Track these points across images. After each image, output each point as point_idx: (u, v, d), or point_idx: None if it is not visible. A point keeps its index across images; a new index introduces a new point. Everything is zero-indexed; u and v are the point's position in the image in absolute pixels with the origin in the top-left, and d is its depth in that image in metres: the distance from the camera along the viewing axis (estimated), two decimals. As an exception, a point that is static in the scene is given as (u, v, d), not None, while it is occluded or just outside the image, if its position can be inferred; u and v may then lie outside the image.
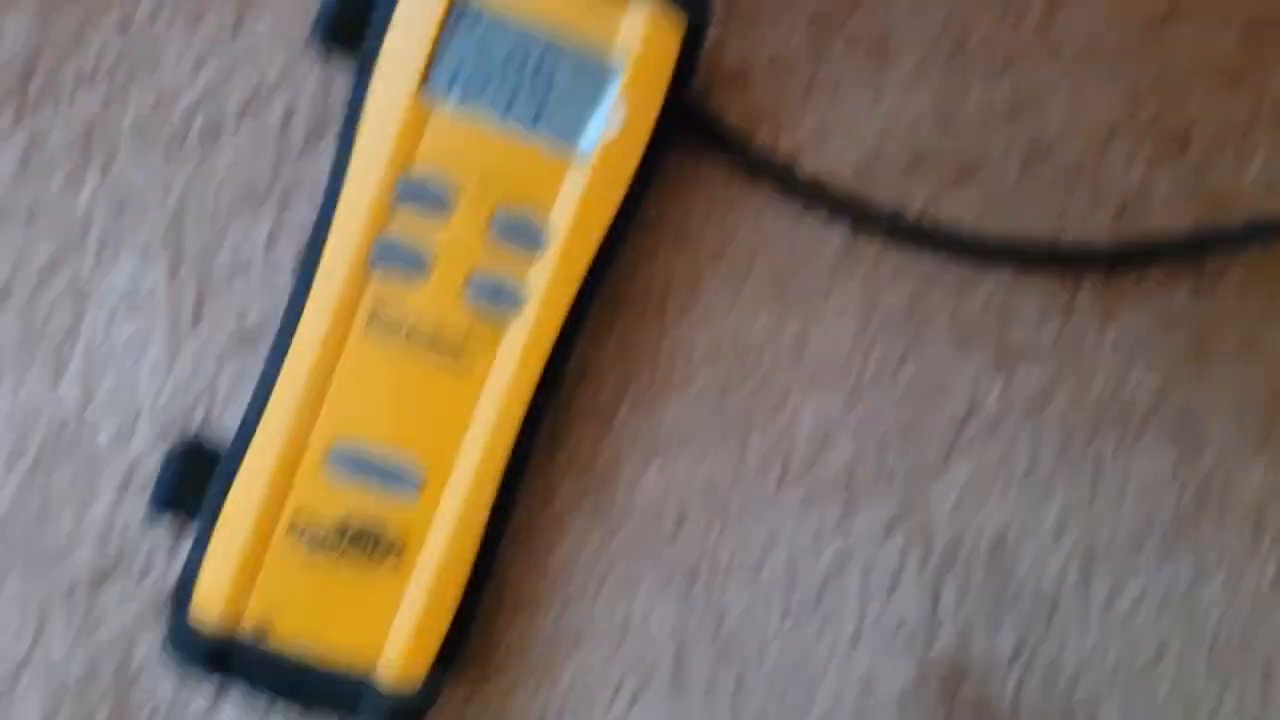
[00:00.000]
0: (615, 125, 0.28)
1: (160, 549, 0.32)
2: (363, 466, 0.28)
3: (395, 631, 0.29)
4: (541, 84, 0.28)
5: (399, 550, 0.29)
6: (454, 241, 0.28)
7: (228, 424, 0.32)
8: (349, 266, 0.28)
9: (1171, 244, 0.33)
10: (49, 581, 0.32)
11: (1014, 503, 0.33)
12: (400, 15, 0.28)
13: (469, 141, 0.28)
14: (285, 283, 0.32)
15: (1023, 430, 0.33)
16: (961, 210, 0.33)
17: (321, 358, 0.28)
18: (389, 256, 0.28)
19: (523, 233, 0.28)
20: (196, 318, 0.32)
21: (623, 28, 0.28)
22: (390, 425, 0.28)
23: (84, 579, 0.32)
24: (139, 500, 0.32)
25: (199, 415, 0.32)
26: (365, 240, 0.28)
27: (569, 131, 0.28)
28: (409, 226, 0.28)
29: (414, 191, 0.28)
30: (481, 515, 0.29)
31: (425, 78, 0.28)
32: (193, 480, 0.29)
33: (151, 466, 0.32)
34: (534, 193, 0.28)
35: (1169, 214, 0.34)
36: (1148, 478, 0.34)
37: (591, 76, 0.28)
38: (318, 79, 0.32)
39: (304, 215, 0.32)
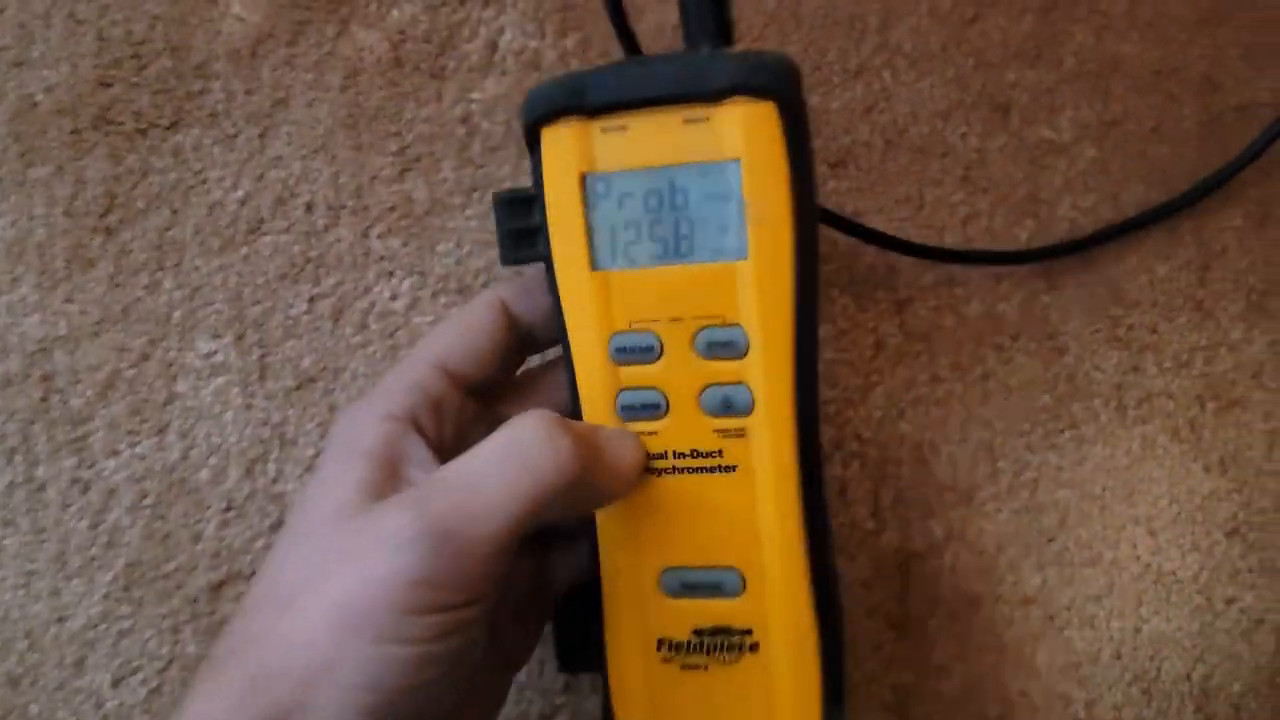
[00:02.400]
0: (758, 213, 0.30)
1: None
2: (690, 584, 0.32)
3: (778, 709, 0.32)
4: (683, 214, 0.30)
5: (749, 636, 0.32)
6: (675, 374, 0.31)
7: (298, 455, 0.41)
8: (610, 425, 0.32)
9: (1012, 253, 0.42)
10: (178, 598, 0.41)
11: (924, 417, 0.42)
12: (552, 209, 0.31)
13: (648, 292, 0.31)
14: (327, 334, 0.41)
15: (920, 355, 0.42)
16: (841, 194, 0.42)
17: (622, 504, 0.32)
18: (631, 408, 0.32)
19: (725, 344, 0.31)
20: (262, 373, 0.41)
21: (723, 133, 0.30)
22: (693, 544, 0.32)
23: (205, 590, 0.41)
24: (239, 524, 0.41)
25: (275, 449, 0.41)
26: (609, 402, 0.32)
27: (721, 243, 0.30)
28: (635, 378, 0.31)
29: (625, 350, 0.31)
30: (803, 591, 0.31)
31: (592, 255, 0.31)
32: (578, 639, 0.34)
33: (242, 497, 0.41)
34: (718, 307, 0.30)
35: (1003, 169, 0.42)
36: (1025, 379, 0.42)
37: (718, 185, 0.30)
38: (329, 176, 0.41)
39: (334, 279, 0.41)
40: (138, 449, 0.41)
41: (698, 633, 0.32)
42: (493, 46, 0.42)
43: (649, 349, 0.31)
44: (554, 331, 0.33)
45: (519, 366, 0.36)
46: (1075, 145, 0.43)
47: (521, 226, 0.32)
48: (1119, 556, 0.42)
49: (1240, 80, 0.43)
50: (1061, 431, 0.42)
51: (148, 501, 0.41)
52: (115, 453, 0.41)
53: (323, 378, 0.41)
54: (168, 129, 0.41)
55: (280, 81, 0.41)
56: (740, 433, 0.31)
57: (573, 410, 0.32)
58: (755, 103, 0.29)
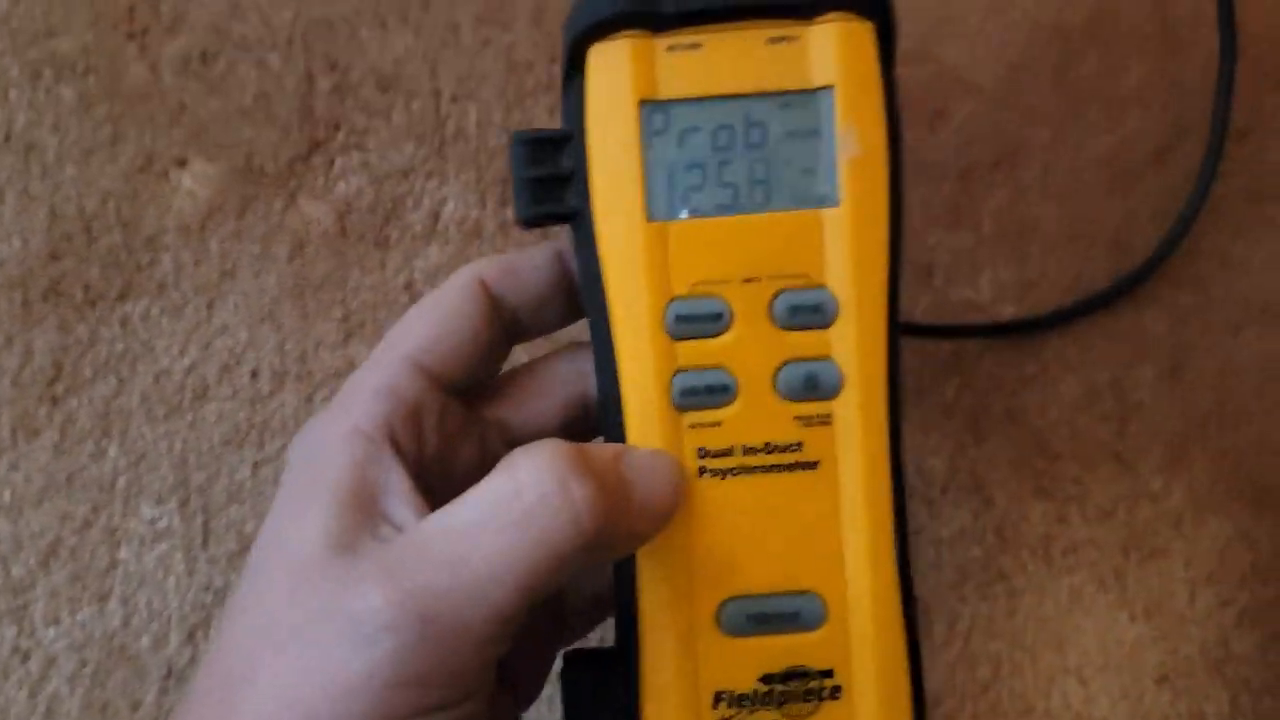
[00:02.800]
0: (852, 150, 0.26)
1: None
2: (760, 617, 0.26)
3: None
4: (759, 155, 0.26)
5: (829, 679, 0.26)
6: (746, 349, 0.26)
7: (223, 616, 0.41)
8: (659, 421, 0.26)
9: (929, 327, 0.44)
10: (117, 764, 0.40)
11: (856, 568, 0.43)
12: (597, 146, 0.26)
13: (715, 248, 0.26)
14: (270, 498, 0.41)
15: (851, 511, 0.43)
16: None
17: (673, 518, 0.26)
18: (691, 393, 0.26)
19: (809, 310, 0.26)
20: (205, 538, 0.41)
21: (814, 57, 0.26)
22: (764, 565, 0.26)
23: (144, 758, 0.40)
24: (179, 691, 0.41)
25: (217, 616, 0.41)
26: (663, 387, 0.26)
27: (806, 188, 0.26)
28: (697, 355, 0.26)
29: (686, 320, 0.26)
30: (896, 618, 0.26)
31: (646, 203, 0.26)
32: (602, 693, 0.26)
33: (183, 663, 0.41)
34: (802, 265, 0.26)
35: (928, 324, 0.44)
36: (955, 531, 0.43)
37: (805, 119, 0.26)
38: (275, 344, 0.42)
39: (278, 444, 0.42)
40: (78, 617, 0.41)
41: (766, 679, 0.26)
42: (435, 216, 0.43)
43: (716, 317, 0.26)
44: (546, 316, 0.29)
45: (505, 359, 0.30)
46: (994, 304, 0.45)
47: (547, 174, 0.26)
48: (1051, 707, 0.43)
49: (1149, 241, 0.45)
50: (992, 583, 0.43)
51: (87, 670, 0.41)
52: (56, 621, 0.41)
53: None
54: (117, 300, 0.42)
55: (229, 253, 0.42)
56: (825, 419, 0.26)
57: (609, 404, 0.26)
58: (854, 21, 0.26)
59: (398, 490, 0.24)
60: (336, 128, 0.43)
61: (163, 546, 0.41)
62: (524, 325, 0.29)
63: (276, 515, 0.25)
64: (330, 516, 0.24)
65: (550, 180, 0.26)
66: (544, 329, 0.30)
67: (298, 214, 0.43)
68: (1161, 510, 0.44)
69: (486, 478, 0.23)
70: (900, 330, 0.43)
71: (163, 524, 0.41)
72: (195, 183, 0.43)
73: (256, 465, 0.42)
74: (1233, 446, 0.44)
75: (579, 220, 0.26)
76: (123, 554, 0.41)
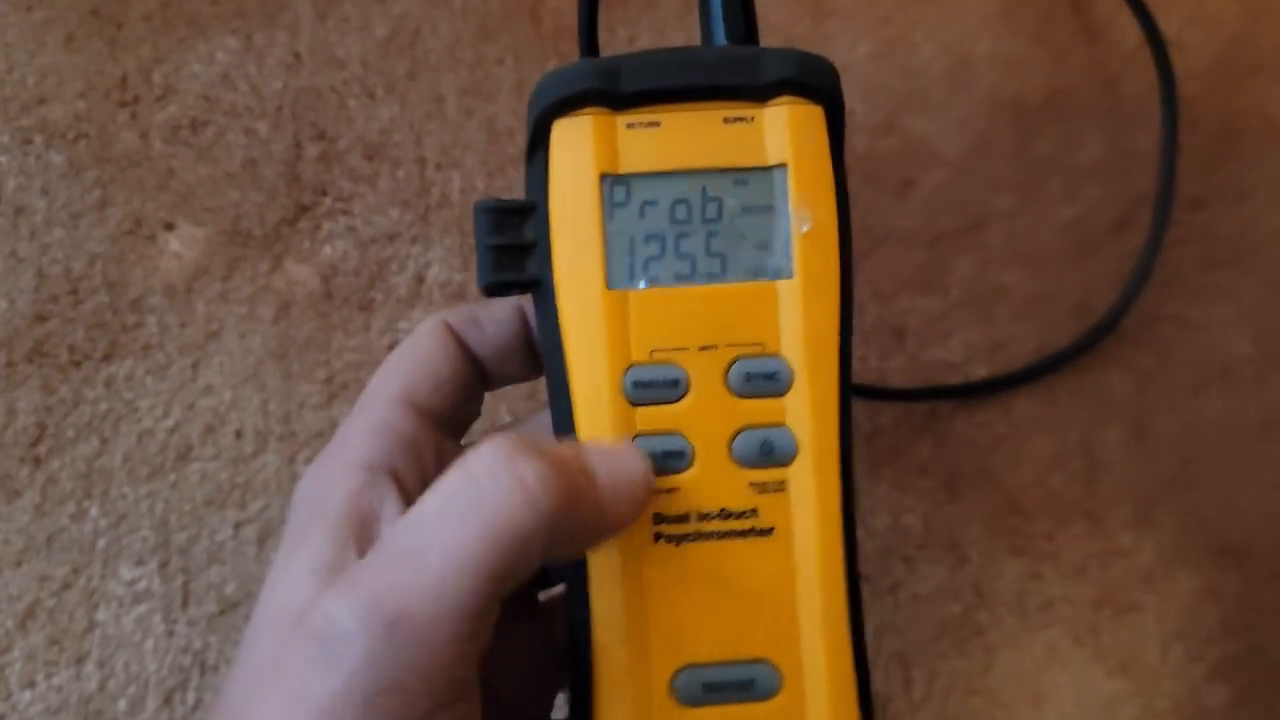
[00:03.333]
0: (805, 225, 0.26)
1: (177, 788, 0.40)
2: (714, 685, 0.26)
3: None
4: (715, 228, 0.27)
5: None
6: (703, 416, 0.26)
7: (218, 683, 0.41)
8: None
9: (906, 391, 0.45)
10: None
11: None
12: (559, 217, 0.27)
13: (673, 316, 0.26)
14: (251, 559, 0.41)
15: (830, 569, 0.44)
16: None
17: (625, 586, 0.26)
18: (649, 458, 0.26)
19: (764, 378, 0.26)
20: (185, 599, 0.41)
21: (768, 137, 0.27)
22: (719, 633, 0.26)
23: (116, 826, 0.40)
24: (154, 753, 0.40)
25: (195, 677, 0.41)
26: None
27: (761, 261, 0.27)
28: (655, 421, 0.26)
29: (644, 385, 0.26)
30: (849, 688, 0.26)
31: (606, 272, 0.26)
32: None
33: (161, 724, 0.40)
34: (757, 334, 0.26)
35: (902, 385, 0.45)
36: (933, 588, 0.44)
37: (759, 195, 0.27)
38: (259, 404, 0.42)
39: (260, 504, 0.42)
40: (54, 680, 0.40)
41: None
42: (420, 280, 0.44)
43: (674, 383, 0.26)
44: (508, 367, 0.29)
45: (482, 399, 0.30)
46: (966, 364, 0.46)
47: (510, 242, 0.27)
48: (1030, 764, 0.43)
49: (1110, 305, 0.47)
50: (969, 639, 0.44)
51: (61, 735, 0.40)
52: (31, 684, 0.40)
53: (246, 603, 0.41)
54: (101, 360, 0.42)
55: (214, 314, 0.43)
56: (780, 486, 0.26)
57: None
58: (805, 105, 0.27)
59: (394, 516, 0.24)
60: (323, 193, 0.44)
61: (142, 608, 0.41)
62: (489, 373, 0.30)
63: (279, 556, 0.25)
64: (322, 545, 0.23)
65: (513, 249, 0.27)
66: (508, 379, 0.30)
67: (283, 276, 0.43)
68: (1132, 566, 0.45)
69: (442, 476, 0.23)
70: (876, 394, 0.44)
71: (142, 585, 0.41)
72: (182, 245, 0.43)
73: (238, 526, 0.42)
74: (1198, 505, 0.45)
75: (540, 288, 0.27)
76: (101, 616, 0.41)
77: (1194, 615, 0.44)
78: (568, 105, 0.27)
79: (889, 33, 0.48)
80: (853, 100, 0.47)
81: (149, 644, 0.41)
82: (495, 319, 0.29)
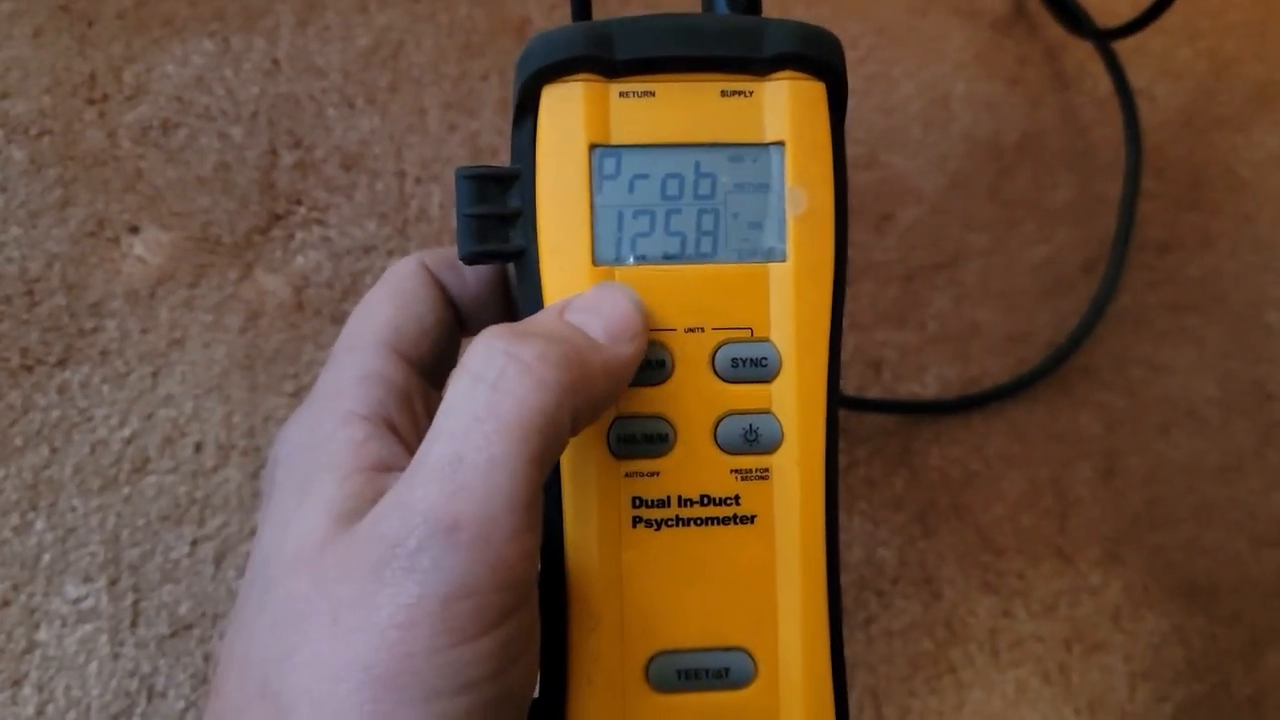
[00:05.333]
0: (800, 207, 0.26)
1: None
2: (689, 672, 0.25)
3: None
4: (708, 205, 0.26)
5: None
6: (687, 399, 0.25)
7: (167, 710, 0.38)
8: (595, 467, 0.25)
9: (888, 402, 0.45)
10: None
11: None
12: (546, 187, 0.26)
13: (660, 296, 0.25)
14: (208, 578, 0.39)
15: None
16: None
17: (601, 569, 0.25)
18: (629, 440, 0.25)
19: (752, 363, 0.26)
20: (135, 619, 0.39)
21: (766, 113, 0.26)
22: (695, 619, 0.25)
23: None
24: (93, 783, 0.38)
25: (141, 703, 0.38)
26: (599, 432, 0.25)
27: (754, 242, 0.26)
28: (637, 402, 0.25)
29: None
30: (825, 682, 0.26)
31: (593, 247, 0.25)
32: None
33: (102, 752, 0.38)
34: (746, 318, 0.26)
35: (877, 421, 0.45)
36: (906, 623, 0.44)
37: (754, 173, 0.26)
38: (222, 416, 0.41)
39: (219, 521, 0.40)
40: (-13, 704, 0.38)
41: None
42: (395, 294, 0.43)
43: (658, 365, 0.25)
44: (484, 315, 0.28)
45: (459, 348, 0.29)
46: (941, 399, 0.46)
47: (492, 211, 0.25)
48: (1002, 803, 0.42)
49: (1081, 347, 0.47)
50: (941, 675, 0.43)
51: (-8, 763, 0.37)
52: (-39, 709, 0.38)
53: (200, 624, 0.39)
54: (55, 365, 0.40)
55: (178, 322, 0.41)
56: (763, 474, 0.25)
57: None
58: (807, 80, 0.26)
59: (404, 465, 0.23)
60: (298, 202, 0.43)
61: (87, 628, 0.39)
62: (465, 320, 0.29)
63: (275, 511, 0.23)
64: (335, 492, 0.22)
65: (496, 218, 0.26)
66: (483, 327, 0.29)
67: (253, 285, 0.42)
68: (1101, 604, 0.45)
69: (447, 393, 0.22)
70: (859, 404, 0.44)
71: (88, 604, 0.39)
72: (147, 249, 0.42)
73: (195, 543, 0.40)
74: (1164, 545, 0.46)
75: (524, 260, 0.26)
76: (42, 635, 0.39)
77: (1160, 655, 0.45)
78: (559, 70, 0.25)
79: (869, 69, 0.49)
80: (834, 133, 0.47)
81: (93, 667, 0.38)
82: (475, 266, 0.27)
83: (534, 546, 0.22)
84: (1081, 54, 0.50)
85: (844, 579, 0.44)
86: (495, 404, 0.21)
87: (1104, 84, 0.50)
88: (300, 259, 0.42)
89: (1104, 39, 0.49)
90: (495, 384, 0.21)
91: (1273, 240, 0.50)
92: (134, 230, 0.42)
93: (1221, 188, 0.50)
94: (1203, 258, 0.50)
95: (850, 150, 0.48)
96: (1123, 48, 0.50)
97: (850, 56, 0.49)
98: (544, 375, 0.22)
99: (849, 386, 0.45)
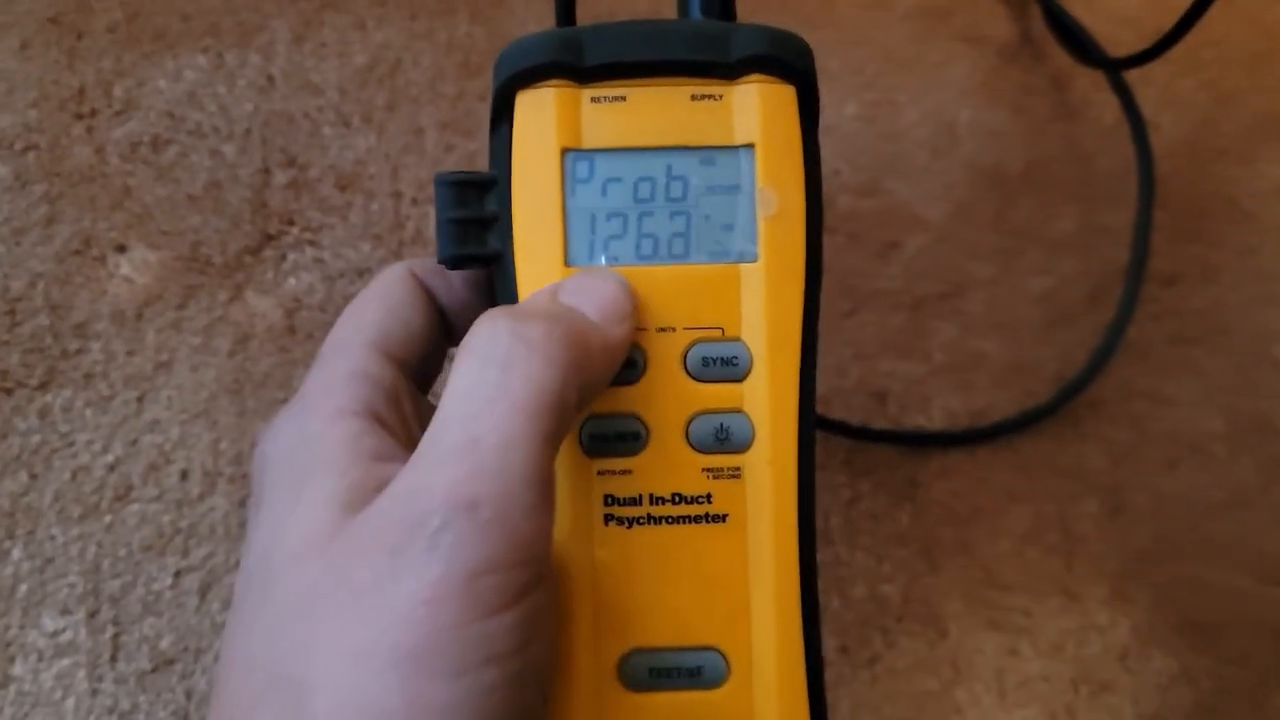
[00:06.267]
0: (770, 208, 0.26)
1: None
2: (660, 672, 0.25)
3: None
4: (679, 207, 0.26)
5: None
6: (659, 398, 0.26)
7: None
8: (567, 465, 0.25)
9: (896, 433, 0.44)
10: None
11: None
12: (521, 191, 0.26)
13: (635, 291, 0.26)
14: (191, 611, 0.38)
15: (807, 638, 0.42)
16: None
17: (574, 566, 0.25)
18: (601, 439, 0.26)
19: (723, 362, 0.26)
20: (114, 653, 0.38)
21: (736, 116, 0.26)
22: (668, 618, 0.25)
23: None
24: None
25: (120, 739, 0.37)
26: (574, 430, 0.26)
27: (724, 243, 0.26)
28: (609, 401, 0.26)
29: None
30: (799, 682, 0.26)
31: (567, 249, 0.26)
32: None
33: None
34: (717, 318, 0.26)
35: (883, 453, 0.44)
36: (911, 662, 0.42)
37: (725, 175, 0.26)
38: (209, 443, 0.39)
39: (205, 551, 0.39)
40: (-43, 742, 0.36)
41: None
42: (390, 318, 0.42)
43: (631, 364, 0.25)
44: (468, 324, 0.26)
45: (444, 356, 0.29)
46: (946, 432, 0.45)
47: (471, 216, 0.26)
48: None
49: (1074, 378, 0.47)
50: (947, 716, 0.42)
51: (-39, 805, 0.36)
52: (-71, 747, 0.36)
53: (182, 659, 0.38)
54: (36, 388, 0.39)
55: (165, 344, 0.40)
56: (735, 473, 0.26)
57: None
58: (776, 84, 0.26)
59: (402, 458, 0.23)
60: (291, 222, 0.42)
61: (64, 662, 0.37)
62: (451, 325, 0.29)
63: (269, 511, 0.23)
64: (337, 484, 0.22)
65: (474, 222, 0.26)
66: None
67: (243, 307, 0.41)
68: (1109, 643, 0.44)
69: (451, 378, 0.23)
70: (864, 434, 0.43)
71: (66, 637, 0.37)
72: (134, 269, 0.40)
73: (179, 574, 0.38)
74: (1170, 582, 0.45)
75: (501, 263, 0.26)
76: (18, 670, 0.37)
77: (1168, 696, 0.44)
78: (531, 76, 0.26)
79: (874, 96, 0.48)
80: (838, 160, 0.47)
81: (70, 702, 0.37)
82: (461, 273, 0.28)
83: (549, 523, 0.22)
84: (1086, 83, 0.50)
85: (847, 616, 0.42)
86: (506, 384, 0.22)
87: (1108, 113, 0.50)
88: (292, 281, 0.41)
89: (1115, 68, 0.48)
90: (504, 365, 0.22)
91: (1276, 272, 0.50)
92: (121, 249, 0.40)
93: (1224, 219, 0.50)
94: (1206, 290, 0.49)
95: (854, 177, 0.47)
96: (1128, 78, 0.49)
97: (855, 82, 0.48)
98: (550, 353, 0.22)
99: (853, 418, 0.44)
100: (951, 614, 0.43)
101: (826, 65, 0.47)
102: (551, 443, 0.22)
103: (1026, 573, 0.44)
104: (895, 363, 0.45)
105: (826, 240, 0.46)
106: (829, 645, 0.42)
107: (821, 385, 0.45)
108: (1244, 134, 0.51)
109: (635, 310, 0.25)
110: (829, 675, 0.42)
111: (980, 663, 0.43)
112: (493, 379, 0.22)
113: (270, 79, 0.43)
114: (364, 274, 0.42)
